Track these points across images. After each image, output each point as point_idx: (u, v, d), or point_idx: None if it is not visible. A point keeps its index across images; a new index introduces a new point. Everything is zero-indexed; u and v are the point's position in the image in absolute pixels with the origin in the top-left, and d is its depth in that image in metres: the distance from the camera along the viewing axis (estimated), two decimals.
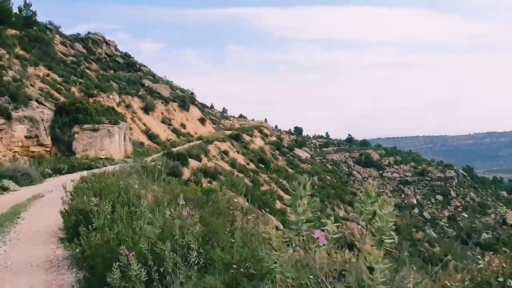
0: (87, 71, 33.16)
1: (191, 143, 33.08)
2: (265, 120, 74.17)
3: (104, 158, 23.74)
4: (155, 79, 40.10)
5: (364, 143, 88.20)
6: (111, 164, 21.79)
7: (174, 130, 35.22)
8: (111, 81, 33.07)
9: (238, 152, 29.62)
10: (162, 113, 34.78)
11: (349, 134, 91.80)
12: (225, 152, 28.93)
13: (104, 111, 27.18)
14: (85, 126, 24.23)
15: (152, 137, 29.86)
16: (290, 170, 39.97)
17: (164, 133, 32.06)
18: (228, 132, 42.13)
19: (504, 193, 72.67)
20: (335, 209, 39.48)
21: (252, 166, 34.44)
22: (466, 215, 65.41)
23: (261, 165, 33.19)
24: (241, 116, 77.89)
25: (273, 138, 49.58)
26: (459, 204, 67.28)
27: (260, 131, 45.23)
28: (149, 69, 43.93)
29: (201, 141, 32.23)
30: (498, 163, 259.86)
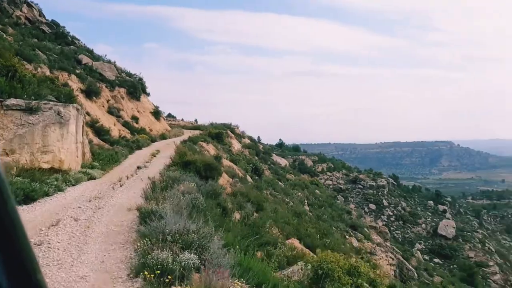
0: (2, 33, 24.41)
1: (162, 143, 27.40)
2: (196, 120, 67.08)
3: (51, 169, 13.43)
4: (93, 56, 32.46)
5: (296, 149, 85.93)
6: (67, 184, 13.19)
7: (126, 124, 27.60)
8: (37, 50, 24.81)
9: (226, 158, 23.71)
10: (108, 101, 27.26)
11: (280, 139, 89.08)
12: (217, 158, 22.79)
13: (43, 81, 17.48)
14: (11, 101, 13.33)
15: (100, 132, 22.08)
16: (279, 183, 33.79)
17: (114, 127, 24.49)
18: (196, 132, 36.06)
19: (431, 202, 74.21)
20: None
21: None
22: (398, 225, 65.39)
23: (255, 176, 27.20)
24: (170, 115, 70.04)
25: (247, 141, 43.68)
26: (391, 213, 67.06)
27: (232, 131, 39.32)
28: (84, 44, 35.58)
29: (184, 140, 26.00)
30: (401, 171, 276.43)
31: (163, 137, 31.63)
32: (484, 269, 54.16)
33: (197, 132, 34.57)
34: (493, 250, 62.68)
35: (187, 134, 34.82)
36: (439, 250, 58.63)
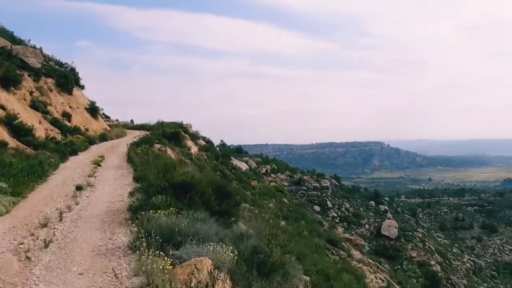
0: None
1: (103, 146, 23.25)
2: (132, 121, 61.98)
3: None
4: (14, 40, 27.18)
5: (239, 150, 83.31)
6: None
7: (55, 122, 22.62)
8: None
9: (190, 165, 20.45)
10: (32, 93, 22.30)
11: (221, 140, 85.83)
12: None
13: None
14: None
15: (20, 132, 17.19)
16: (246, 192, 28.85)
17: (40, 125, 19.80)
18: (141, 132, 31.56)
19: (373, 202, 74.53)
20: None
21: None
22: (343, 226, 64.59)
23: None
24: (104, 115, 64.14)
25: (202, 142, 39.30)
26: (336, 215, 66.26)
27: (186, 131, 34.93)
28: (3, 26, 29.52)
29: (134, 142, 21.97)
30: (335, 171, 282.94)
31: (103, 138, 27.16)
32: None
33: (142, 132, 30.72)
34: (433, 249, 63.73)
35: (131, 135, 30.92)
36: (383, 251, 58.46)
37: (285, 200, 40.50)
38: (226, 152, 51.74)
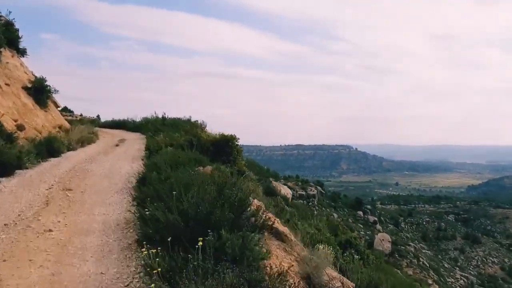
0: None
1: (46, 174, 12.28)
2: (98, 116, 54.19)
3: None
4: None
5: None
6: None
7: None
8: None
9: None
10: None
11: None
12: None
13: None
14: None
15: None
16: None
17: None
18: (119, 134, 22.71)
19: (361, 213, 69.58)
20: None
21: None
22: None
23: None
24: (66, 109, 55.30)
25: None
26: None
27: (233, 140, 26.99)
28: None
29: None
30: (304, 173, 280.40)
31: (48, 143, 15.09)
32: None
33: (126, 133, 23.12)
34: (427, 265, 59.32)
35: (108, 138, 21.88)
36: None
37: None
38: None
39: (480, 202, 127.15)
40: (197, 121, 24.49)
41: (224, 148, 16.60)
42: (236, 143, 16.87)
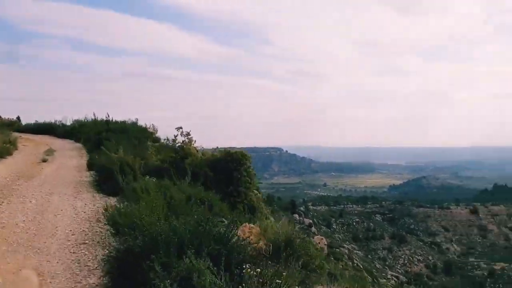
0: None
1: None
2: (18, 118, 48.58)
3: None
4: None
5: None
6: None
7: None
8: None
9: None
10: None
11: None
12: None
13: None
14: None
15: None
16: None
17: None
18: (49, 141, 17.58)
19: (296, 216, 69.45)
20: None
21: None
22: None
23: None
24: None
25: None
26: None
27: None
28: None
29: None
30: None
31: None
32: None
33: (62, 143, 18.12)
34: (361, 266, 60.28)
35: (32, 146, 16.60)
36: None
37: None
38: None
39: (404, 201, 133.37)
40: (146, 125, 19.70)
41: (229, 172, 11.49)
42: (249, 164, 11.88)
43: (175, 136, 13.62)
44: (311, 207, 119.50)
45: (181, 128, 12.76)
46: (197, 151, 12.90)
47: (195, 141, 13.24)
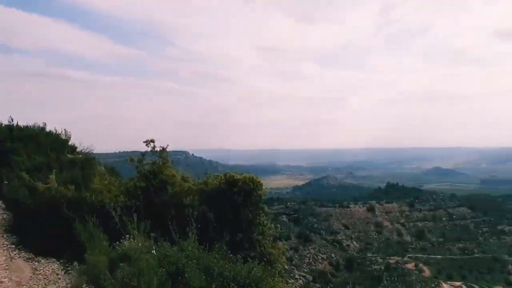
0: None
1: None
2: None
3: None
4: None
5: None
6: None
7: None
8: None
9: None
10: None
11: None
12: None
13: None
14: None
15: None
16: None
17: None
18: None
19: None
20: None
21: None
22: None
23: None
24: None
25: None
26: None
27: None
28: None
29: None
30: None
31: None
32: None
33: None
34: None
35: None
36: None
37: None
38: None
39: (307, 202, 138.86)
40: (56, 130, 14.56)
41: (234, 210, 7.88)
42: (261, 194, 8.11)
43: (143, 154, 8.88)
44: None
45: (152, 141, 8.51)
46: (186, 180, 8.61)
47: (171, 160, 8.71)
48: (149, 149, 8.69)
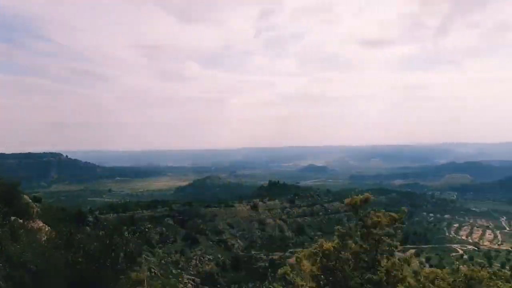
0: None
1: None
2: None
3: None
4: None
5: None
6: None
7: None
8: None
9: None
10: None
11: None
12: None
13: None
14: None
15: None
16: None
17: None
18: None
19: (88, 228, 63.91)
20: None
21: None
22: None
23: None
24: None
25: None
26: None
27: None
28: None
29: None
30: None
31: None
32: None
33: None
34: (158, 274, 59.48)
35: None
36: None
37: None
38: None
39: (193, 203, 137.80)
40: None
41: None
42: None
43: None
44: (100, 215, 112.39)
45: None
46: None
47: None
48: None
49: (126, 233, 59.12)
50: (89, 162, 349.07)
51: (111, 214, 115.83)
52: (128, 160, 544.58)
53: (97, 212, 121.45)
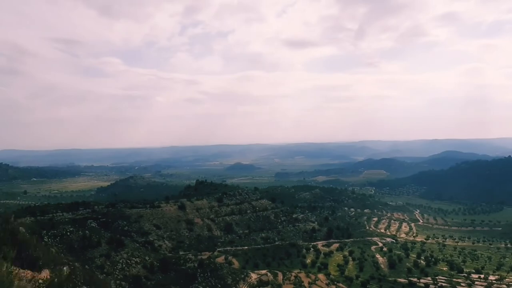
0: None
1: None
2: None
3: None
4: None
5: None
6: None
7: None
8: None
9: None
10: None
11: None
12: None
13: None
14: None
15: None
16: None
17: None
18: None
19: None
20: None
21: None
22: None
23: None
24: None
25: None
26: None
27: None
28: None
29: None
30: None
31: None
32: None
33: None
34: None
35: None
36: None
37: None
38: None
39: (116, 204, 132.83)
40: None
41: None
42: None
43: None
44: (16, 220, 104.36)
45: None
46: None
47: None
48: None
49: (46, 237, 55.45)
50: (2, 163, 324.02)
51: (28, 218, 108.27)
52: (43, 160, 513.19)
53: (12, 217, 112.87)
